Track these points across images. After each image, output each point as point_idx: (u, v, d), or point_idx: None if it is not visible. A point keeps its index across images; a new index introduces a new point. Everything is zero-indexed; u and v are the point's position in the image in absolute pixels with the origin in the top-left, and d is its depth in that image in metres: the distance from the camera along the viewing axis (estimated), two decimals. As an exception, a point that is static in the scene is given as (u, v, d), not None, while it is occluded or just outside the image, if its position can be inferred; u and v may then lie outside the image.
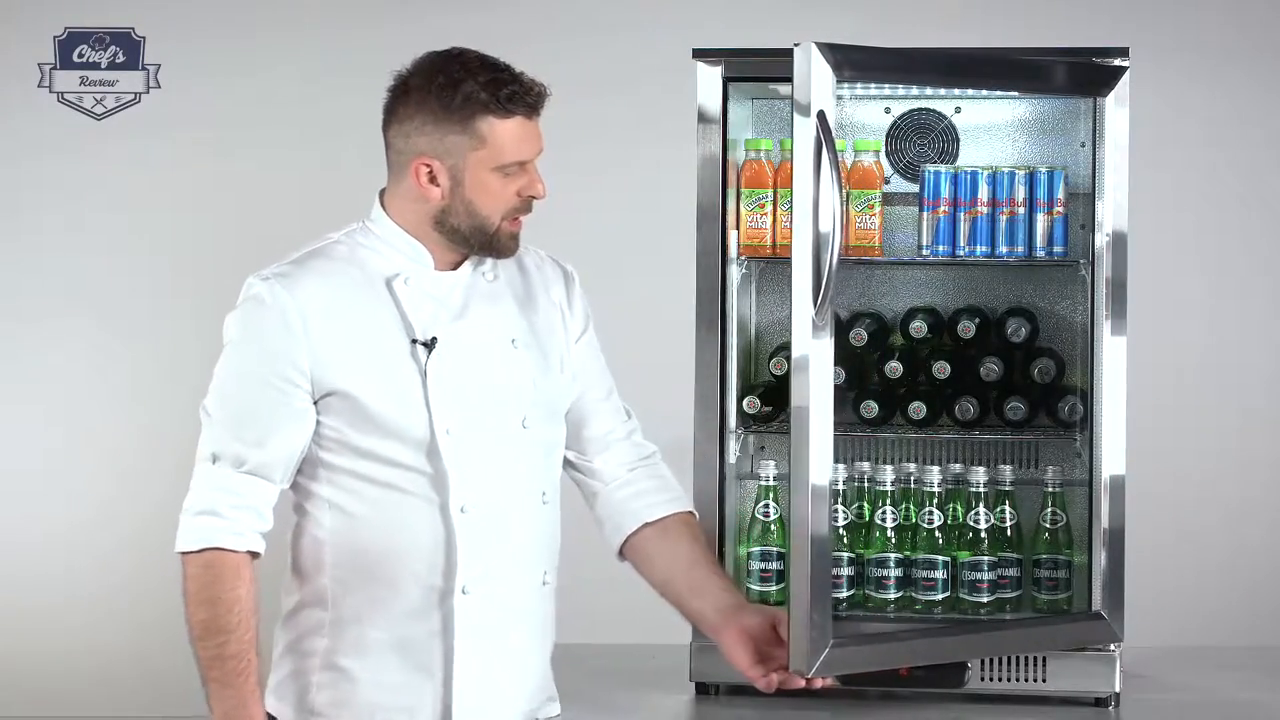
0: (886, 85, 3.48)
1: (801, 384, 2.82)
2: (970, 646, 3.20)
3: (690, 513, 2.83)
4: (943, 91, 3.52)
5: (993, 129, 3.59)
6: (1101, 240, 3.26)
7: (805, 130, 2.83)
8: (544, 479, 2.69)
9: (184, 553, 2.54)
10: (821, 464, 2.82)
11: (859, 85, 3.47)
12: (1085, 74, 3.23)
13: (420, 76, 2.56)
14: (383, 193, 2.65)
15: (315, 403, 2.56)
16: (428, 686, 2.61)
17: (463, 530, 2.58)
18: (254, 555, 2.56)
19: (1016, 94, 3.51)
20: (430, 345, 2.58)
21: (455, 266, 2.65)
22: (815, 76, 2.86)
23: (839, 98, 3.55)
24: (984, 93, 3.51)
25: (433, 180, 2.57)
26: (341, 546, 2.59)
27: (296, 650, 2.64)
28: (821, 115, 2.83)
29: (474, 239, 2.61)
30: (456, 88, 2.53)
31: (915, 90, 3.53)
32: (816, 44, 2.87)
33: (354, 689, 2.60)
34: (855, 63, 2.93)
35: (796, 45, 2.88)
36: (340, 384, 2.54)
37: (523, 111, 2.56)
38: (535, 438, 2.67)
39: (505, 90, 2.54)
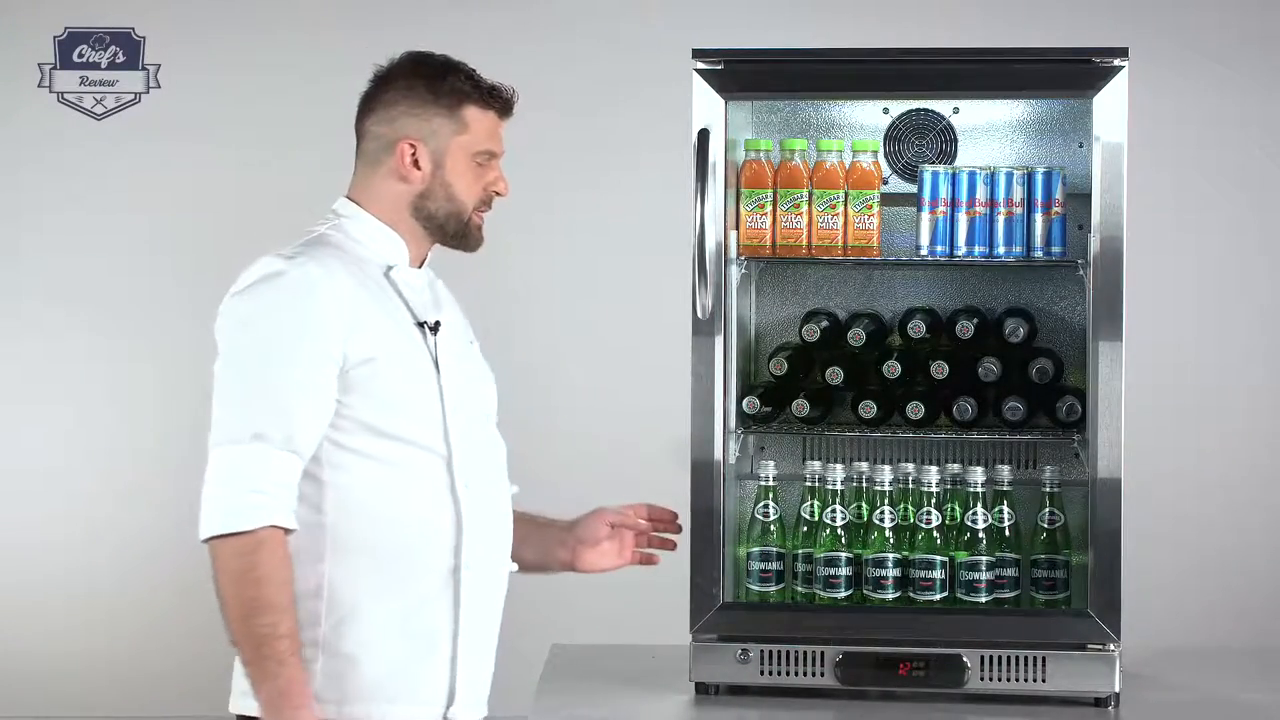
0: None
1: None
2: (872, 624, 3.31)
3: None
4: (943, 92, 3.52)
5: (991, 129, 3.59)
6: (1098, 240, 3.26)
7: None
8: (506, 466, 2.82)
9: (232, 534, 2.51)
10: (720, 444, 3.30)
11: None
12: (1064, 74, 3.26)
13: (406, 67, 2.75)
14: (348, 195, 2.77)
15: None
16: (435, 664, 2.67)
17: (467, 507, 2.67)
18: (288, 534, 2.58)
19: (1005, 97, 3.52)
20: (435, 329, 2.70)
21: (420, 265, 2.78)
22: (697, 96, 3.24)
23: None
24: (983, 93, 3.51)
25: (415, 163, 2.71)
26: (345, 529, 2.62)
27: None
28: (702, 134, 3.13)
29: (449, 225, 2.75)
30: (444, 77, 2.72)
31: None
32: (697, 70, 3.18)
33: (358, 673, 2.62)
34: (744, 83, 3.25)
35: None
36: (372, 352, 2.60)
37: (498, 108, 2.76)
38: (496, 428, 2.82)
39: (487, 85, 2.74)
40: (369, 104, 2.76)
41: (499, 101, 2.74)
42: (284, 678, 2.51)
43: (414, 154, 2.71)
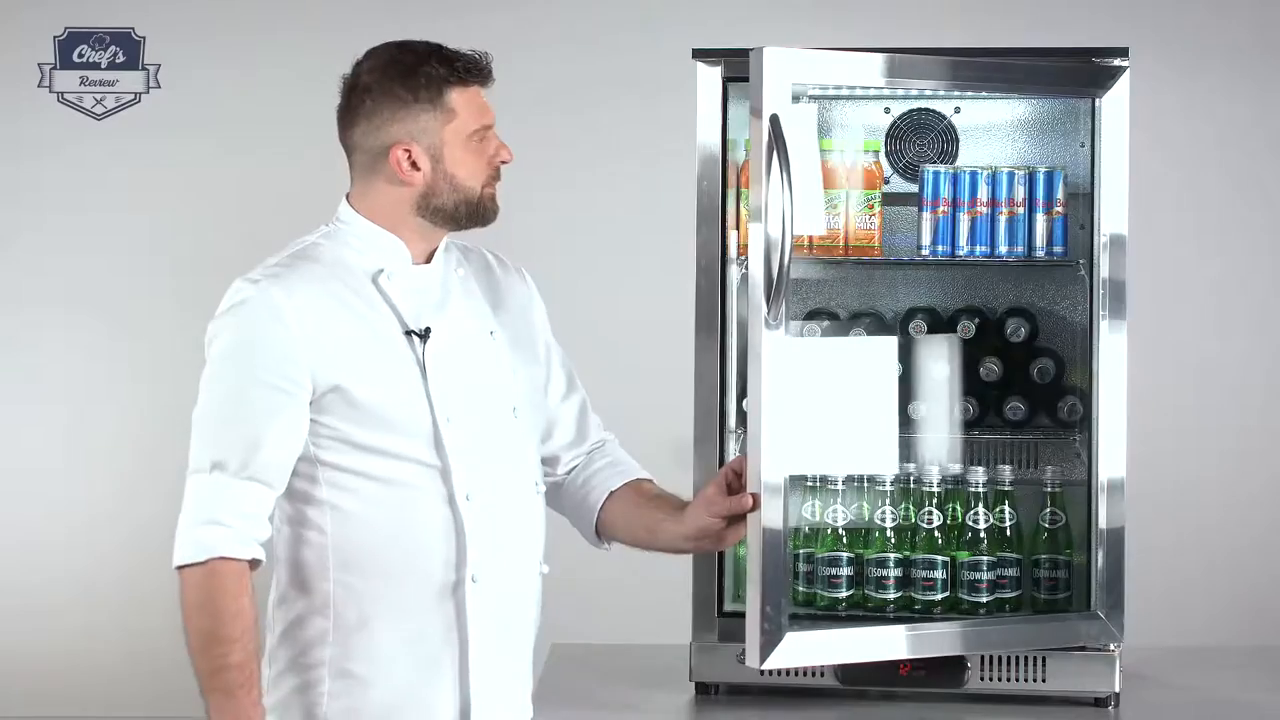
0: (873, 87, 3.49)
1: (755, 381, 2.83)
2: (936, 642, 3.21)
3: (648, 479, 2.84)
4: (942, 92, 3.52)
5: (992, 129, 3.59)
6: (1100, 240, 3.26)
7: (759, 133, 2.84)
8: (535, 468, 2.73)
9: (185, 565, 2.50)
10: (773, 461, 2.79)
11: (844, 87, 3.48)
12: (1066, 73, 3.25)
13: (375, 73, 2.63)
14: (348, 196, 2.68)
15: (311, 402, 2.55)
16: (443, 682, 2.60)
17: (470, 519, 2.59)
18: (255, 565, 2.54)
19: (1014, 95, 3.51)
20: (425, 336, 2.60)
21: (428, 259, 2.68)
22: (768, 80, 2.87)
23: (835, 99, 3.59)
24: (983, 93, 3.51)
25: (413, 165, 2.62)
26: (346, 549, 2.57)
27: (299, 664, 2.60)
28: (774, 119, 2.84)
29: (461, 211, 2.65)
30: (416, 71, 2.61)
31: (915, 90, 3.53)
32: (767, 49, 2.88)
33: (366, 693, 2.58)
34: (812, 68, 2.98)
35: (751, 50, 2.90)
36: (340, 379, 2.54)
37: (478, 80, 2.64)
38: (524, 426, 2.71)
39: (460, 63, 2.63)
40: (348, 118, 2.64)
41: (478, 74, 2.63)
42: (231, 712, 2.49)
43: (409, 157, 2.61)
